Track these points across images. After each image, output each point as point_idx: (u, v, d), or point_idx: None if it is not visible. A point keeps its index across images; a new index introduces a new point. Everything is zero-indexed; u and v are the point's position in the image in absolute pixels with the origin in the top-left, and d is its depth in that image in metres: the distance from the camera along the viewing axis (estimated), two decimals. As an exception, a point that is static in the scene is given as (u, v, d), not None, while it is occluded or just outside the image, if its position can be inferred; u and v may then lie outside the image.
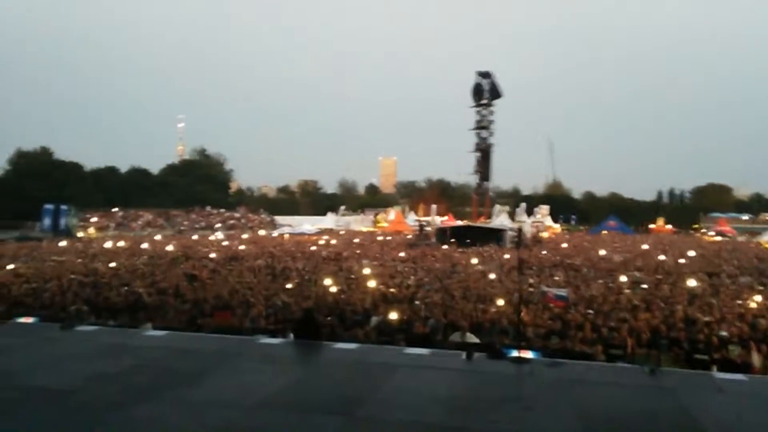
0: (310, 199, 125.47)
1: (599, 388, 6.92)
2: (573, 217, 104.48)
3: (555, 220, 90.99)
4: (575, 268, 25.99)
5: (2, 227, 55.32)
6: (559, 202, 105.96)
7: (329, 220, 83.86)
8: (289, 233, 59.53)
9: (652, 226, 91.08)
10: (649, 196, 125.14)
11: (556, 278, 21.56)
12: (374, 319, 12.84)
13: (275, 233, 62.99)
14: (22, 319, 10.99)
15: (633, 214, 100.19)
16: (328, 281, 17.98)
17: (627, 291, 18.16)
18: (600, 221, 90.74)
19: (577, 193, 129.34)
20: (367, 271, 21.83)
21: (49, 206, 59.62)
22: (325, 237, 51.91)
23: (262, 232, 64.14)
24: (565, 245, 44.48)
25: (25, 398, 6.24)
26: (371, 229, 78.55)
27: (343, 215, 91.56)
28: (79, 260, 26.15)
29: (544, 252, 35.97)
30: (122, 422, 5.59)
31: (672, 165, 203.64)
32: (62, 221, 59.58)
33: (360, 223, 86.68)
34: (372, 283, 17.88)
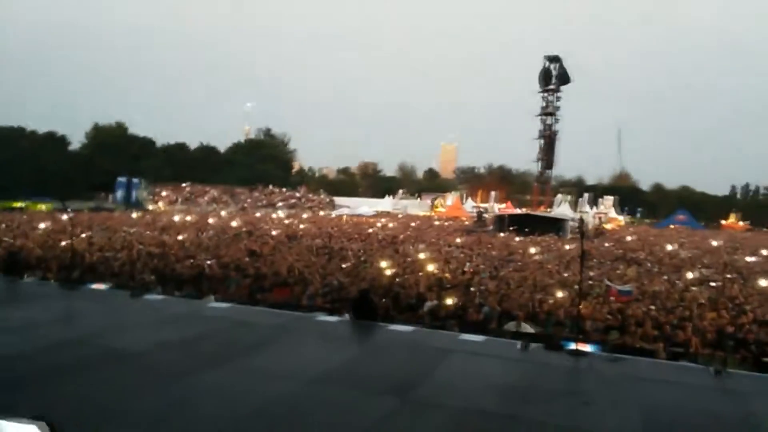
0: (369, 182, 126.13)
1: (662, 387, 6.70)
2: (639, 209, 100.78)
3: (620, 212, 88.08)
4: (639, 263, 25.13)
5: (78, 198, 58.51)
6: (625, 194, 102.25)
7: (387, 203, 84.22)
8: (347, 214, 60.22)
9: (723, 222, 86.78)
10: (722, 190, 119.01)
11: (619, 272, 20.91)
12: (428, 304, 12.86)
13: (334, 214, 63.87)
14: (95, 285, 11.57)
15: (704, 209, 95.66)
16: (383, 264, 18.10)
17: (694, 289, 17.42)
18: (668, 215, 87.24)
19: (645, 184, 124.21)
20: (422, 255, 21.83)
21: (122, 179, 62.57)
22: (383, 220, 52.21)
23: (320, 212, 65.17)
24: (629, 238, 43.03)
25: (98, 359, 6.64)
26: (428, 213, 78.39)
27: (401, 199, 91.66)
28: (149, 232, 27.37)
29: (607, 244, 34.92)
30: (186, 387, 5.87)
31: (749, 159, 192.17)
32: (134, 194, 62.53)
33: (417, 207, 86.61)
34: (427, 268, 17.88)
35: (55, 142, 67.04)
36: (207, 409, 5.31)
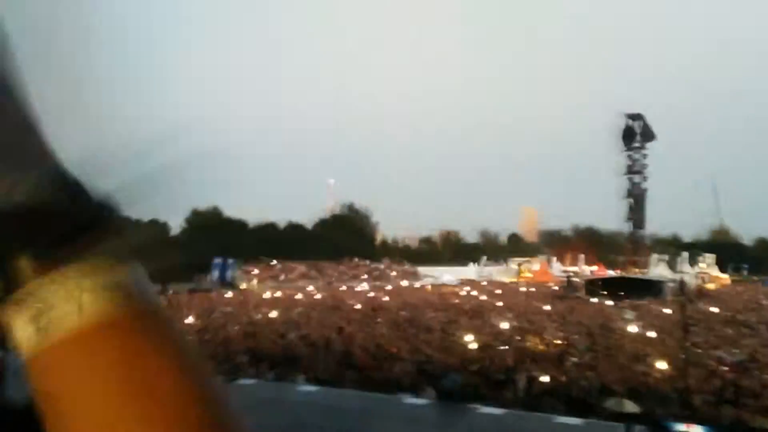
0: (452, 249, 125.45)
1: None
2: (744, 266, 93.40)
3: (722, 270, 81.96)
4: (750, 326, 23.13)
5: (178, 279, 61.99)
6: (726, 250, 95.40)
7: (471, 271, 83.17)
8: (431, 284, 59.92)
9: None
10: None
11: (727, 338, 19.33)
12: (520, 381, 12.41)
13: (417, 284, 63.76)
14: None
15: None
16: (470, 336, 17.75)
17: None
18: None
19: (748, 239, 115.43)
20: (509, 325, 21.20)
21: (218, 260, 65.99)
22: (467, 288, 51.47)
23: (404, 283, 65.25)
24: (735, 298, 39.85)
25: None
26: (514, 279, 76.45)
27: (485, 265, 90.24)
28: (242, 311, 28.49)
29: (713, 309, 32.46)
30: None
31: None
32: (228, 273, 65.55)
33: (503, 273, 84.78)
34: (516, 339, 17.37)
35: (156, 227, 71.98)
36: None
